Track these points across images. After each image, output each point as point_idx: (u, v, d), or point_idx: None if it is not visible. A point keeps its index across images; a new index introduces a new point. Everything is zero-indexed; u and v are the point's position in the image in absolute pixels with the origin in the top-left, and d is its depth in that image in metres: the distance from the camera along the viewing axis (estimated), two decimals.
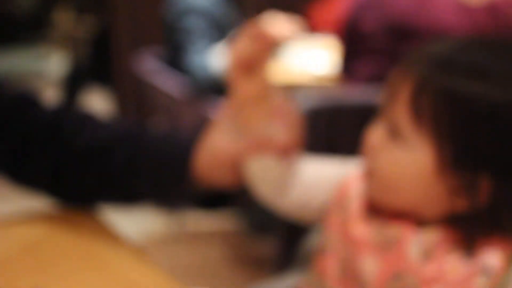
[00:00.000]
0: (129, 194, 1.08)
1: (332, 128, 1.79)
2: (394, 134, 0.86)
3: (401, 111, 0.85)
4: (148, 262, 0.99)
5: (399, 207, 0.89)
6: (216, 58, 2.74)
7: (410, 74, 0.85)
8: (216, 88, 2.80)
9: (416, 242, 0.86)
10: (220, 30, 2.84)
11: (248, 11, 3.06)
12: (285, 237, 1.80)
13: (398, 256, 0.86)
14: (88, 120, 1.13)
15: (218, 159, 1.00)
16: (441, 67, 0.83)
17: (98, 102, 6.40)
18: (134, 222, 3.55)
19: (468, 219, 0.85)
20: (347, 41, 2.12)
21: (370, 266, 0.88)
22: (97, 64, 5.59)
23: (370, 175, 0.91)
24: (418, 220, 0.88)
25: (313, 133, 1.88)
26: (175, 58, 2.90)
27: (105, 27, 5.53)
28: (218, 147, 1.00)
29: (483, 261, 0.83)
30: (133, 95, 4.52)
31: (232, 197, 1.16)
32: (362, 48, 2.01)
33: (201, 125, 1.03)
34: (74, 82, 5.55)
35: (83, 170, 1.09)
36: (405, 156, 0.85)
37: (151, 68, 3.04)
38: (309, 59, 2.91)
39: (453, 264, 0.84)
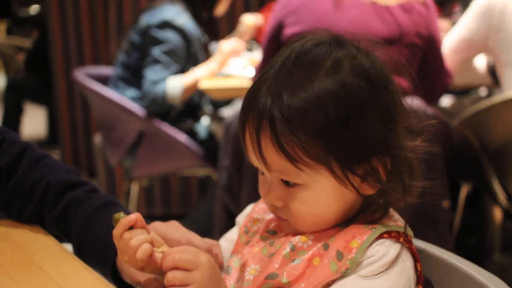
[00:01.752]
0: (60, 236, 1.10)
1: None
2: (286, 182, 0.88)
3: (277, 162, 0.86)
4: (87, 271, 0.97)
5: (324, 228, 0.90)
6: (174, 86, 2.80)
7: (256, 128, 0.86)
8: (164, 111, 2.85)
9: (287, 246, 0.90)
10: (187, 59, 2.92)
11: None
12: None
13: (273, 260, 0.89)
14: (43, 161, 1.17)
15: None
16: (270, 110, 0.84)
17: (37, 118, 6.35)
18: None
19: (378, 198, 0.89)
20: (271, 47, 2.16)
21: (250, 273, 0.92)
22: (34, 82, 5.55)
23: (288, 221, 0.92)
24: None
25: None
26: (127, 76, 2.91)
27: (40, 47, 5.49)
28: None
29: (337, 248, 0.86)
30: (71, 111, 4.50)
31: None
32: None
33: None
34: (12, 98, 5.49)
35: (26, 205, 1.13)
36: (310, 194, 0.87)
37: (90, 84, 3.03)
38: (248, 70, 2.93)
39: (315, 256, 0.87)
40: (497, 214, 2.91)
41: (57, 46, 4.37)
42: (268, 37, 2.17)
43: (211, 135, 2.95)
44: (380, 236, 0.86)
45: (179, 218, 3.52)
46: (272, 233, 0.96)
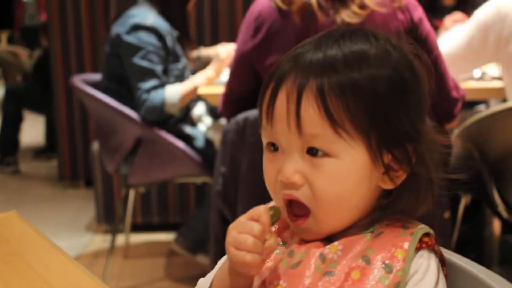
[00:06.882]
0: None
1: None
2: (315, 153, 0.84)
3: (315, 123, 0.83)
4: (75, 265, 0.95)
5: (345, 223, 0.88)
6: (170, 94, 2.77)
7: (298, 84, 0.84)
8: (162, 119, 2.82)
9: (317, 257, 0.85)
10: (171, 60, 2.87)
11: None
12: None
13: (301, 274, 0.85)
14: None
15: None
16: (321, 71, 0.84)
17: (35, 127, 6.34)
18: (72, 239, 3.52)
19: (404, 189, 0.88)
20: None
21: None
22: (34, 90, 5.54)
23: (305, 222, 0.87)
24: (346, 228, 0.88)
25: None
26: (121, 88, 2.88)
27: (43, 57, 5.50)
28: None
29: (382, 259, 0.83)
30: (71, 118, 4.49)
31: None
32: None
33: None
34: (11, 106, 5.48)
35: None
36: (338, 167, 0.84)
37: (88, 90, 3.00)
38: None
39: (354, 269, 0.83)
40: (496, 227, 2.89)
41: (57, 54, 4.38)
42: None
43: (209, 143, 2.93)
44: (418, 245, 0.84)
45: (176, 226, 3.52)
46: (283, 244, 0.91)
